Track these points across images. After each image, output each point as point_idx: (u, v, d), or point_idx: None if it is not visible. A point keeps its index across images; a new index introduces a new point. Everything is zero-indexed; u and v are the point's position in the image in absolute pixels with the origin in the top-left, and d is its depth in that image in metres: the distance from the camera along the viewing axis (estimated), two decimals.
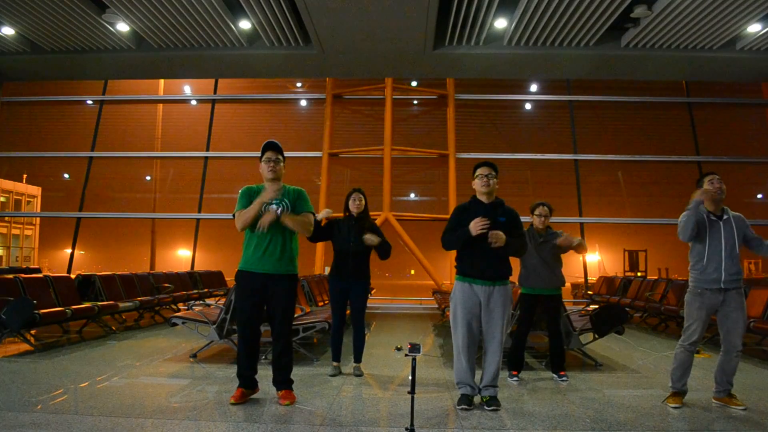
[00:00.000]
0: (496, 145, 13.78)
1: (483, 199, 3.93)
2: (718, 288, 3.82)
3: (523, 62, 10.08)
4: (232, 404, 3.77)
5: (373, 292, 5.29)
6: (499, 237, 3.71)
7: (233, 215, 3.85)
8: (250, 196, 3.87)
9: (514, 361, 4.91)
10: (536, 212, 5.03)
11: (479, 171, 3.94)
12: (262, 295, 3.86)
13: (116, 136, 14.08)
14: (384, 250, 4.88)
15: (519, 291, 5.10)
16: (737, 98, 13.60)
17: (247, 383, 3.91)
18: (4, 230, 32.77)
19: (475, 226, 3.69)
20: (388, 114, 13.08)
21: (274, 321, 3.89)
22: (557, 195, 13.45)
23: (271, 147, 3.91)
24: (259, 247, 3.83)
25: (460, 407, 3.77)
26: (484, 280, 3.80)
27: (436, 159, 13.54)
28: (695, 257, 3.93)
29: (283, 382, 3.92)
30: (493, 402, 3.80)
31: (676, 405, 3.88)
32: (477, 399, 3.91)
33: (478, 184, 3.94)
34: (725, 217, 3.91)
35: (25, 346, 5.97)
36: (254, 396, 4.00)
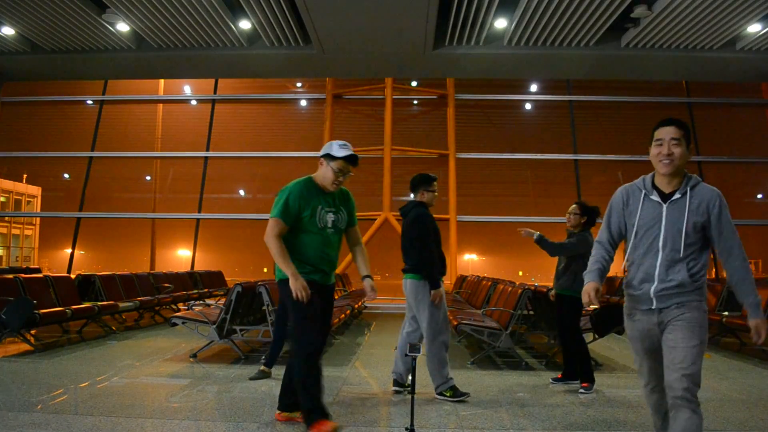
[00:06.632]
0: (496, 145, 13.76)
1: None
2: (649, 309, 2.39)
3: (523, 62, 10.08)
4: None
5: None
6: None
7: (273, 216, 3.21)
8: (302, 200, 3.24)
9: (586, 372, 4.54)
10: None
11: None
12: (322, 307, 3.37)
13: (116, 136, 14.06)
14: None
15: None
16: (737, 98, 13.58)
17: (327, 411, 3.24)
18: (4, 230, 32.79)
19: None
20: (388, 114, 13.06)
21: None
22: (557, 195, 13.45)
23: (353, 161, 3.31)
24: (319, 256, 3.34)
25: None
26: None
27: (436, 159, 13.53)
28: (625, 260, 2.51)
29: None
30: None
31: None
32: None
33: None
34: (676, 196, 2.35)
35: (25, 346, 5.97)
36: (255, 396, 3.99)
